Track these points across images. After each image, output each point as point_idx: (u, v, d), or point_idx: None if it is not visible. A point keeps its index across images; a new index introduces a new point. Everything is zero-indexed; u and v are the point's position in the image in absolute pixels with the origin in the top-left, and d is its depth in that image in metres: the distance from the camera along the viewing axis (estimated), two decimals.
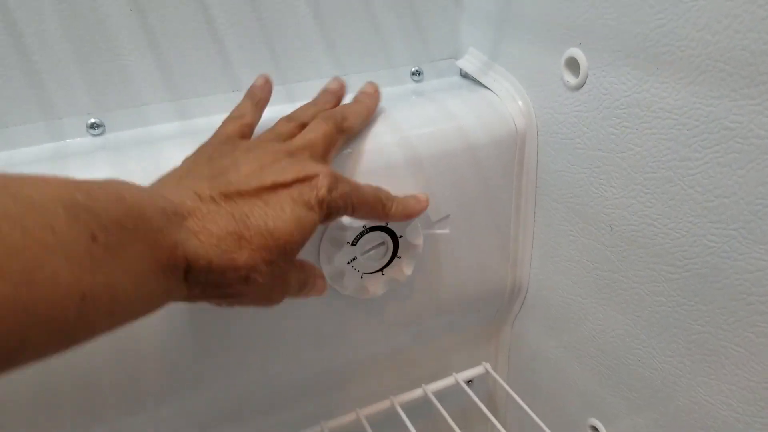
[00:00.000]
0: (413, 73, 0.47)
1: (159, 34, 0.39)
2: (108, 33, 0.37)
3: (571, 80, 0.37)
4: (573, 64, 0.37)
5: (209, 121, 0.41)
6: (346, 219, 0.37)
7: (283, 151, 0.32)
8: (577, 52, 0.36)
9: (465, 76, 0.48)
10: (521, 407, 0.46)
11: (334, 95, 0.40)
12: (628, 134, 0.35)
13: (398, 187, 0.39)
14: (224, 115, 0.42)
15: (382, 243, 0.39)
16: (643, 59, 0.32)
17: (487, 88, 0.44)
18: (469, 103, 0.43)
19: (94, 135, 0.39)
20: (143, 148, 0.37)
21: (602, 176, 0.37)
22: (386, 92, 0.46)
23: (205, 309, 0.34)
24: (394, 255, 0.40)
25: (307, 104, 0.38)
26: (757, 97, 0.27)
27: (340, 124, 0.35)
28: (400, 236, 0.40)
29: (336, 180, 0.31)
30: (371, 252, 0.39)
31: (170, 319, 0.36)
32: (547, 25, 0.38)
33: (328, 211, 0.31)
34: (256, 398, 0.44)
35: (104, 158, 0.36)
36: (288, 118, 0.36)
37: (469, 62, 0.46)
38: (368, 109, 0.39)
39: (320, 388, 0.47)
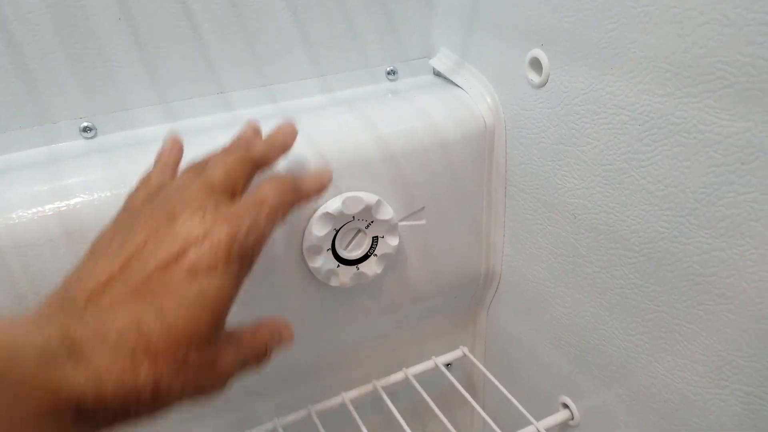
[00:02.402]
0: (388, 73, 0.49)
1: (146, 41, 0.41)
2: (99, 40, 0.39)
3: (535, 79, 0.40)
4: (536, 64, 0.39)
5: (195, 122, 0.44)
6: (315, 229, 0.40)
7: (167, 211, 0.27)
8: (539, 53, 0.39)
9: (438, 74, 0.50)
10: (498, 388, 0.49)
11: (246, 141, 0.34)
12: (586, 129, 0.37)
13: (374, 182, 0.41)
14: (209, 117, 0.44)
15: (357, 228, 0.42)
16: (599, 60, 0.35)
17: (458, 86, 0.46)
18: (441, 100, 0.45)
19: (87, 138, 0.41)
20: (133, 150, 0.39)
21: (565, 168, 0.40)
22: (363, 91, 0.49)
23: None
24: (371, 253, 0.43)
25: (215, 151, 0.33)
26: (697, 95, 0.30)
27: (246, 153, 0.31)
28: (377, 240, 0.42)
29: (237, 221, 0.26)
30: (354, 243, 0.42)
31: None
32: (512, 27, 0.41)
33: (241, 262, 0.26)
34: (245, 385, 0.46)
35: (97, 161, 0.38)
36: (188, 165, 0.32)
37: (441, 61, 0.49)
38: (283, 140, 0.34)
39: (306, 373, 0.50)
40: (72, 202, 0.35)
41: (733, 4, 0.27)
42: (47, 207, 0.35)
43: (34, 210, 0.35)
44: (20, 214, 0.35)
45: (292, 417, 0.48)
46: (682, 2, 0.29)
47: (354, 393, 0.50)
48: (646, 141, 0.34)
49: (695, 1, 0.28)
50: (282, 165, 0.38)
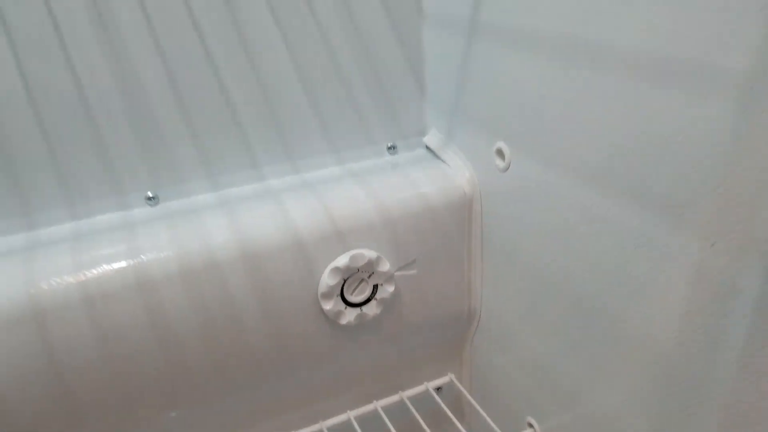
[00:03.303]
0: (389, 148, 0.61)
1: (198, 127, 0.52)
2: (160, 126, 0.51)
3: (501, 164, 0.50)
4: (501, 153, 0.50)
5: (237, 191, 0.55)
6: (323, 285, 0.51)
7: None
8: (503, 145, 0.50)
9: (429, 149, 0.61)
10: (477, 409, 0.59)
11: None
12: (540, 209, 0.48)
13: (375, 240, 0.52)
14: (247, 186, 0.56)
15: (360, 279, 0.53)
16: (546, 156, 0.46)
17: (444, 162, 0.58)
18: (430, 175, 0.56)
19: (151, 206, 0.52)
20: (191, 216, 0.50)
21: (527, 236, 0.51)
22: (370, 163, 0.60)
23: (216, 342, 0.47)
24: (372, 296, 0.54)
25: None
26: (611, 195, 0.41)
27: None
28: (376, 288, 0.53)
29: None
30: (357, 290, 0.53)
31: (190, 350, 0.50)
32: (483, 121, 0.52)
33: None
34: (264, 404, 0.57)
35: (162, 225, 0.49)
36: None
37: (431, 140, 0.60)
38: None
39: (319, 394, 0.60)
40: (144, 258, 0.47)
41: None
42: (124, 263, 0.47)
43: (115, 265, 0.46)
44: (104, 268, 0.46)
45: (306, 430, 0.58)
46: (596, 124, 0.40)
47: (358, 411, 0.60)
48: (581, 226, 0.44)
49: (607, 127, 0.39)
50: (303, 228, 0.50)
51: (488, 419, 0.58)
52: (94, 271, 0.46)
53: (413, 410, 0.60)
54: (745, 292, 0.32)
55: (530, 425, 0.57)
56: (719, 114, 0.31)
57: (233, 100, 0.53)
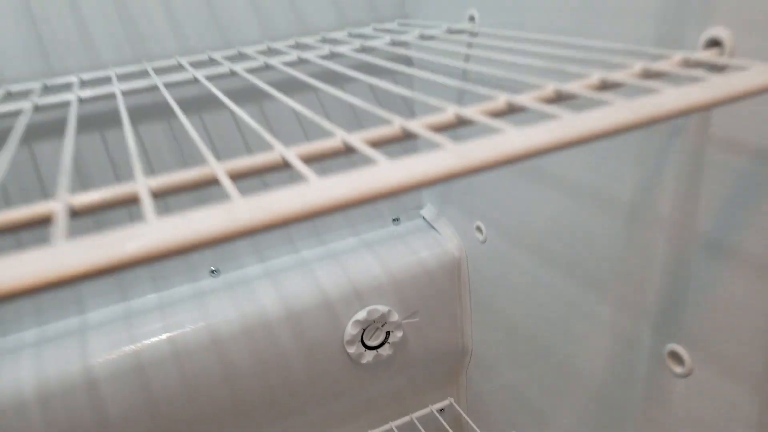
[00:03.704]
0: (394, 220, 0.77)
1: None
2: None
3: (480, 237, 0.66)
4: (480, 229, 0.66)
5: (278, 262, 0.71)
6: (349, 333, 0.66)
7: None
8: (480, 223, 0.65)
9: (425, 219, 0.77)
10: (472, 426, 0.74)
11: None
12: (509, 272, 0.64)
13: (386, 298, 0.68)
14: (286, 257, 0.71)
15: (376, 328, 0.68)
16: (514, 238, 0.61)
17: (438, 231, 0.73)
18: (427, 242, 0.72)
19: (214, 277, 0.68)
20: (245, 285, 0.66)
21: (502, 290, 0.66)
22: (381, 232, 0.76)
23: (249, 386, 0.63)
24: (386, 340, 0.69)
25: None
26: (559, 274, 0.56)
27: None
28: (389, 334, 0.69)
29: None
30: (374, 336, 0.69)
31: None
32: (466, 204, 0.68)
33: None
34: (301, 428, 0.72)
35: (225, 294, 0.65)
36: None
37: (427, 213, 0.76)
38: None
39: (345, 418, 0.75)
40: (214, 321, 0.63)
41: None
42: (201, 323, 0.62)
43: (193, 326, 0.62)
44: (187, 329, 0.62)
45: None
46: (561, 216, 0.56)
47: (378, 431, 0.75)
48: (537, 289, 0.60)
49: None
50: (330, 291, 0.66)
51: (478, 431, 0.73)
52: (178, 331, 0.62)
53: (421, 428, 0.75)
54: (642, 343, 0.48)
55: None
56: (617, 225, 0.47)
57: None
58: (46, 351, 0.60)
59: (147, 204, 0.21)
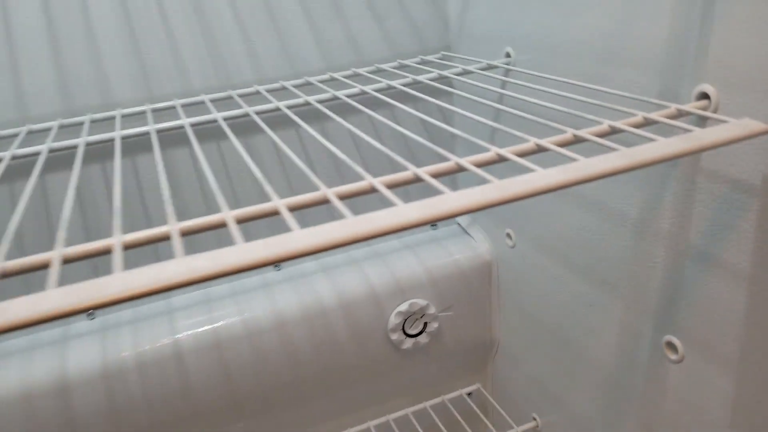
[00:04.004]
0: (432, 226, 0.87)
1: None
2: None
3: (510, 243, 0.76)
4: (509, 236, 0.76)
5: (332, 259, 0.82)
6: (393, 322, 0.77)
7: None
8: (510, 231, 0.75)
9: (460, 226, 0.87)
10: (496, 407, 0.84)
11: None
12: (534, 273, 0.73)
13: (424, 293, 0.78)
14: (338, 256, 0.82)
15: (416, 319, 0.79)
16: (538, 244, 0.71)
17: (471, 236, 0.83)
18: (461, 247, 0.82)
19: (277, 270, 0.79)
20: (304, 279, 0.77)
21: (527, 289, 0.76)
22: (417, 238, 0.86)
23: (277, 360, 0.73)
24: (423, 330, 0.80)
25: None
26: (579, 280, 0.66)
27: None
28: (426, 324, 0.79)
29: None
30: (414, 326, 0.79)
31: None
32: (496, 214, 0.77)
33: None
34: (347, 404, 0.83)
35: (288, 285, 0.76)
36: None
37: (462, 220, 0.86)
38: None
39: (386, 397, 0.86)
40: (279, 307, 0.74)
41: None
42: (267, 309, 0.73)
43: (261, 311, 0.73)
44: (257, 312, 0.73)
45: (375, 422, 0.84)
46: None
47: (413, 409, 0.85)
48: (558, 288, 0.69)
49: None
50: (378, 286, 0.76)
51: (505, 415, 0.83)
52: (250, 314, 0.73)
53: (452, 409, 0.85)
54: (644, 335, 0.57)
55: (534, 419, 0.82)
56: (626, 236, 0.56)
57: None
58: (142, 328, 0.72)
59: (234, 229, 0.32)
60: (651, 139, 0.37)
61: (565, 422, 0.75)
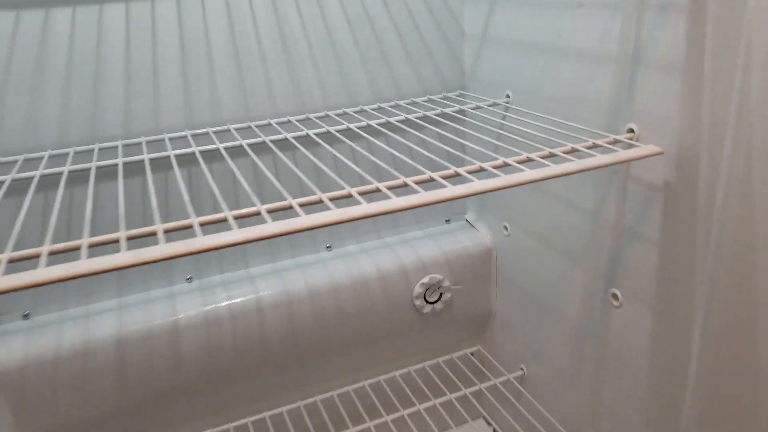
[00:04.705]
0: (446, 221, 1.12)
1: None
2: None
3: (506, 233, 1.02)
4: (506, 228, 1.01)
5: (368, 244, 1.07)
6: (418, 290, 1.02)
7: None
8: (506, 224, 1.01)
9: (467, 221, 1.13)
10: (494, 363, 1.09)
11: None
12: (524, 256, 0.99)
13: (441, 270, 1.04)
14: (372, 242, 1.08)
15: (434, 290, 1.04)
16: (527, 233, 0.97)
17: (476, 229, 1.09)
18: (469, 237, 1.08)
19: (329, 251, 1.05)
20: (352, 257, 1.03)
21: (519, 269, 1.01)
22: (436, 229, 1.12)
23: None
24: (439, 299, 1.05)
25: None
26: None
27: None
28: (441, 294, 1.05)
29: None
30: (433, 295, 1.04)
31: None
32: (495, 211, 1.03)
33: None
34: (375, 357, 1.08)
35: (339, 262, 1.01)
36: None
37: (469, 216, 1.12)
38: None
39: (408, 353, 1.10)
40: (333, 278, 0.99)
41: None
42: (324, 280, 0.98)
43: (321, 281, 0.98)
44: (318, 281, 0.98)
45: (399, 372, 1.09)
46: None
47: (429, 362, 1.10)
48: (543, 266, 0.95)
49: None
50: (407, 264, 1.02)
51: (499, 367, 1.08)
52: (312, 281, 0.98)
53: (459, 363, 1.10)
54: (597, 290, 0.82)
55: (521, 369, 1.07)
56: (587, 222, 0.82)
57: None
58: (230, 288, 0.97)
59: (266, 216, 0.57)
60: (594, 155, 0.63)
61: (544, 369, 1.00)
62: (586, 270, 0.84)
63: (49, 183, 0.83)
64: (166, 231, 0.52)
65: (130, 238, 0.52)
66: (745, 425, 0.63)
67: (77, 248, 0.51)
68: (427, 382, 1.10)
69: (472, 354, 1.15)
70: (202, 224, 0.53)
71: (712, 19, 0.57)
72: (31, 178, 0.72)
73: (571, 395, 0.93)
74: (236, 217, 0.54)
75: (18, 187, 0.81)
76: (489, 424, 1.19)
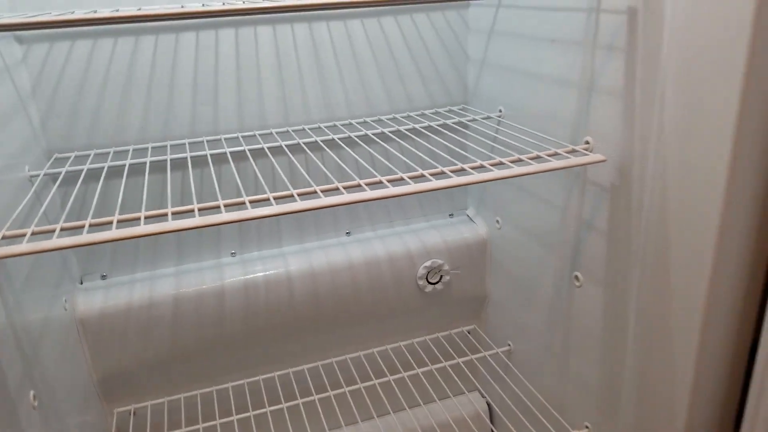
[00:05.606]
0: (449, 215, 1.31)
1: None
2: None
3: (498, 227, 1.20)
4: (498, 222, 1.19)
5: (382, 232, 1.27)
6: (421, 271, 1.21)
7: None
8: (499, 219, 1.19)
9: (468, 216, 1.31)
10: (486, 340, 1.27)
11: None
12: (513, 245, 1.16)
13: (442, 256, 1.23)
14: (385, 230, 1.28)
15: (436, 272, 1.22)
16: (515, 226, 1.14)
17: (474, 222, 1.27)
18: (469, 229, 1.26)
19: (348, 236, 1.24)
20: (369, 243, 1.22)
21: (509, 257, 1.19)
22: (439, 222, 1.31)
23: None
24: (439, 281, 1.24)
25: None
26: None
27: None
28: (442, 276, 1.23)
29: None
30: (434, 276, 1.23)
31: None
32: (490, 208, 1.21)
33: None
34: (379, 330, 1.27)
35: (355, 245, 1.21)
36: None
37: (469, 212, 1.30)
38: None
39: (410, 328, 1.29)
40: (351, 257, 1.18)
41: None
42: (344, 260, 1.18)
43: (340, 260, 1.18)
44: (337, 260, 1.18)
45: (404, 342, 1.27)
46: None
47: (430, 337, 1.29)
48: (527, 253, 1.13)
49: None
50: (413, 250, 1.21)
51: (490, 342, 1.26)
52: (333, 258, 1.18)
53: (458, 340, 1.28)
54: (564, 273, 1.00)
55: (508, 344, 1.24)
56: (557, 215, 1.00)
57: None
58: (266, 262, 1.17)
59: (297, 197, 0.77)
60: (550, 161, 0.81)
61: (527, 344, 1.18)
62: (558, 256, 1.01)
63: (136, 170, 1.05)
64: (225, 205, 0.73)
65: (200, 210, 0.72)
66: (668, 366, 0.80)
67: (165, 215, 0.72)
68: (427, 352, 1.28)
69: (468, 332, 1.33)
70: (250, 202, 0.73)
71: (640, 58, 0.75)
72: (123, 165, 0.94)
73: (546, 365, 1.11)
74: (275, 198, 0.74)
75: (115, 172, 1.04)
76: (483, 396, 1.37)
